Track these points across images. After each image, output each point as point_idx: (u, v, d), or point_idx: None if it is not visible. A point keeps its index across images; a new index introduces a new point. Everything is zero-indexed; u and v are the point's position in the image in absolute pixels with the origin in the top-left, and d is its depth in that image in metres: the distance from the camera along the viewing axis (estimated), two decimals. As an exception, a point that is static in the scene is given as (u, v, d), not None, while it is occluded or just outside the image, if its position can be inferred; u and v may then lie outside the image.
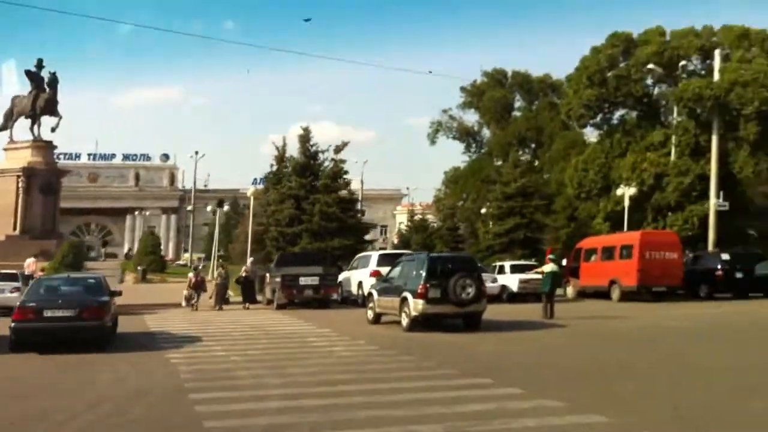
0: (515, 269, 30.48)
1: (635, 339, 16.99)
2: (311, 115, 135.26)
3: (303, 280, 26.81)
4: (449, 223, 50.20)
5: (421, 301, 17.97)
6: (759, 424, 8.50)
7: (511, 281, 30.04)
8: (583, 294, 31.26)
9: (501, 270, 31.58)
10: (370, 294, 21.33)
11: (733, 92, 37.46)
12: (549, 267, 22.05)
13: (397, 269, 20.30)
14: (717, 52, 39.95)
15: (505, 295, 30.00)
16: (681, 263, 29.17)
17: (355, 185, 63.91)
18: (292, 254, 34.08)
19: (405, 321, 18.51)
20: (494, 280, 29.29)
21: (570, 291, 31.93)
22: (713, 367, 12.37)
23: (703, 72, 42.25)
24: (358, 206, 55.99)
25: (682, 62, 42.20)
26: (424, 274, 18.26)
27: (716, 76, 38.76)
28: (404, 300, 18.52)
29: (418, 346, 16.02)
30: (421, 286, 18.03)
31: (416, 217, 54.26)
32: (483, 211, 48.96)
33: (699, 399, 9.77)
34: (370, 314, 20.97)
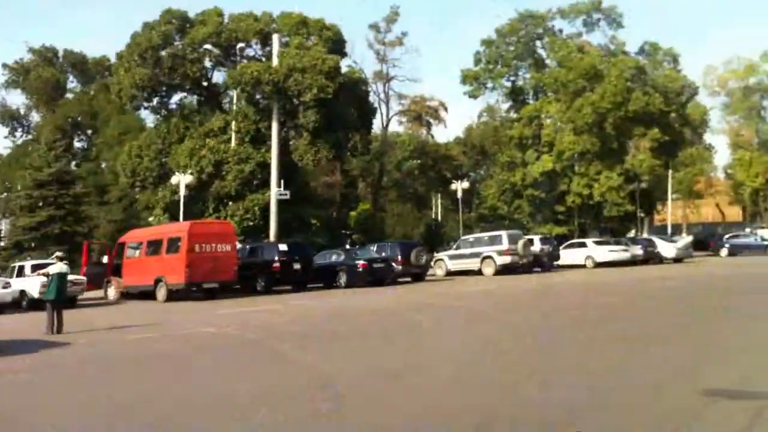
0: (37, 269, 24.59)
1: (147, 361, 12.66)
2: None
3: None
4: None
5: None
6: None
7: (33, 285, 24.22)
8: (127, 295, 26.94)
9: (21, 272, 25.67)
10: None
11: (292, 78, 36.53)
12: (56, 267, 16.93)
13: None
14: (275, 37, 38.83)
15: (25, 303, 24.30)
16: (235, 256, 26.30)
17: None
18: None
19: None
20: (6, 285, 23.42)
21: (111, 292, 27.44)
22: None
23: (263, 58, 40.85)
24: None
25: (240, 45, 40.41)
26: None
27: (275, 61, 37.52)
28: None
29: None
30: None
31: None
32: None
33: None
34: None
